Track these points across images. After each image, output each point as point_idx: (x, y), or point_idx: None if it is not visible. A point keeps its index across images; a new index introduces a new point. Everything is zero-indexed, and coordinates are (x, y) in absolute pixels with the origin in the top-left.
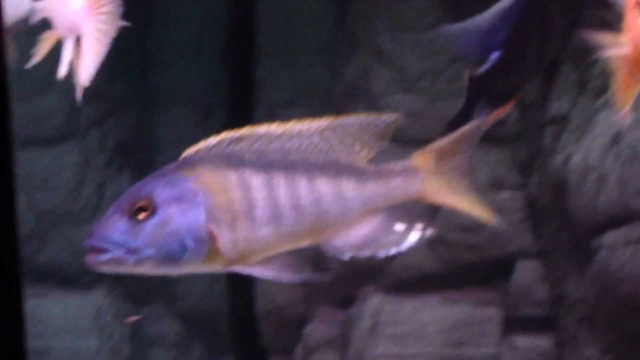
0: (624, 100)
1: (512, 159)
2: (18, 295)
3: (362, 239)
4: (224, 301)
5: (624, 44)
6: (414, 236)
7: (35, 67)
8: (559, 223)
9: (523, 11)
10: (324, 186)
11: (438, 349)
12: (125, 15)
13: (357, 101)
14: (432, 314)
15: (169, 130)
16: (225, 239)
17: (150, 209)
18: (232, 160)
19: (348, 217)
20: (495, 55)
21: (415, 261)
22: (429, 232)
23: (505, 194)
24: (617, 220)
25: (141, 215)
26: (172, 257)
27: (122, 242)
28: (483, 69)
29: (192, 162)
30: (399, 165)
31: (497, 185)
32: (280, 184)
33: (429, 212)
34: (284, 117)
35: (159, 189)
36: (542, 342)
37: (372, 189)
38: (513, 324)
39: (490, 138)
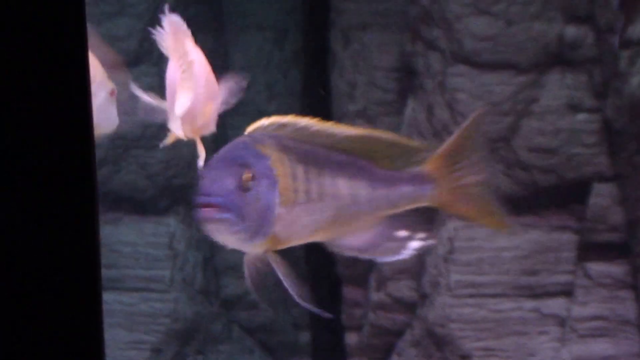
0: None
1: (588, 82)
2: (93, 221)
3: (364, 242)
4: None
5: None
6: (414, 245)
7: None
8: (635, 146)
9: None
10: (342, 185)
11: (513, 276)
12: None
13: (432, 25)
14: (507, 240)
15: (244, 55)
16: (282, 223)
17: (253, 181)
18: (285, 146)
19: (359, 218)
20: None
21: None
22: (430, 242)
23: (581, 117)
24: None
25: (246, 185)
26: (256, 233)
27: (235, 207)
28: None
29: (261, 140)
30: (410, 172)
31: (573, 108)
32: (313, 177)
33: (431, 221)
34: (359, 41)
35: (255, 162)
36: (617, 269)
37: (383, 194)
38: (588, 250)
39: (567, 61)
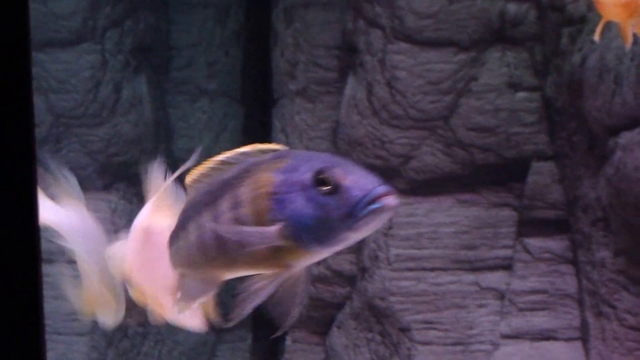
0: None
1: (528, 59)
2: (31, 201)
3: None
4: None
5: None
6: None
7: None
8: (575, 124)
9: None
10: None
11: (452, 250)
12: None
13: (373, 2)
14: (446, 216)
15: (186, 32)
16: None
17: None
18: None
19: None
20: None
21: (430, 162)
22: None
23: (521, 95)
24: (633, 121)
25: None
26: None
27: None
28: None
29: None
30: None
31: (513, 86)
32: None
33: None
34: (301, 20)
35: None
36: (556, 244)
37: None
38: (527, 226)
39: (508, 39)
